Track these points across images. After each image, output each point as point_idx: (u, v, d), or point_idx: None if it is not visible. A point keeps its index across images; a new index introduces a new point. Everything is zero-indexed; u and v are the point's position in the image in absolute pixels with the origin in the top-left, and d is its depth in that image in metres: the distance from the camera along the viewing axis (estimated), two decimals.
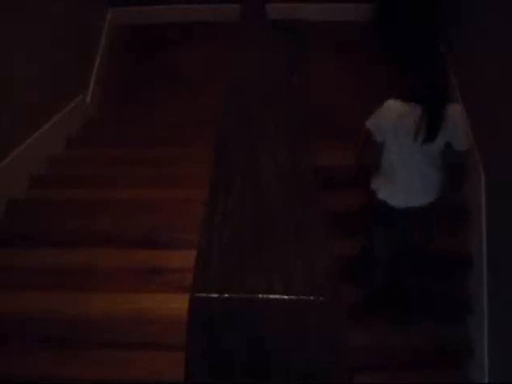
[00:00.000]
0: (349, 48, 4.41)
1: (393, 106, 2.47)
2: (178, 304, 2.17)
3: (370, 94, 3.85)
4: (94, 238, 2.77)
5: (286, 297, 0.79)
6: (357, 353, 2.45)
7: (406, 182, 2.58)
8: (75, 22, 3.91)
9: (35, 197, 3.15)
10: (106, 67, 4.52)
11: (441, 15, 3.85)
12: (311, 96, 3.40)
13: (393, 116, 2.46)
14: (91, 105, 4.23)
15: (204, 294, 0.78)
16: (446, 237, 3.15)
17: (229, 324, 0.80)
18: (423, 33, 3.86)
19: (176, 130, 3.87)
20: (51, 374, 2.16)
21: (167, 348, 2.15)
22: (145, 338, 2.29)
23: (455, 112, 2.48)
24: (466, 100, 3.29)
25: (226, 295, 0.77)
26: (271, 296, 0.79)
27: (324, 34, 4.54)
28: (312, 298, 0.79)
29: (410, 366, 2.97)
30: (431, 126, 2.41)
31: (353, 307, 2.83)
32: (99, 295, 2.44)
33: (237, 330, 0.80)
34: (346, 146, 3.25)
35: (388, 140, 2.53)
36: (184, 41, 4.71)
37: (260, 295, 0.78)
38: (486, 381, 2.76)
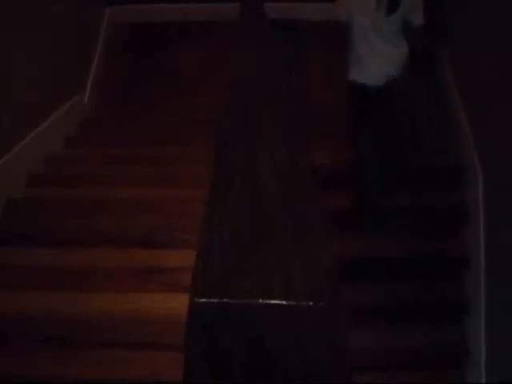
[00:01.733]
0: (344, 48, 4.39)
1: None
2: (177, 304, 2.18)
3: None
4: (93, 238, 2.76)
5: (285, 302, 0.79)
6: (357, 353, 2.44)
7: (377, 60, 2.84)
8: (74, 21, 3.90)
9: (34, 196, 3.14)
10: (105, 66, 4.51)
11: (440, 13, 3.85)
12: (310, 95, 3.39)
13: None
14: (89, 104, 4.23)
15: (204, 299, 0.78)
16: (443, 237, 3.15)
17: (228, 327, 0.80)
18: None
19: (175, 129, 3.86)
20: (51, 374, 2.16)
21: (167, 348, 2.15)
22: (144, 338, 2.28)
23: None
24: (465, 100, 3.29)
25: (226, 300, 0.77)
26: (271, 301, 0.79)
27: (324, 33, 4.53)
28: (311, 303, 0.79)
29: (408, 367, 2.98)
30: None
31: (353, 307, 2.83)
32: (99, 295, 2.44)
33: (236, 332, 0.81)
34: (345, 145, 3.26)
35: (355, 23, 2.78)
36: (183, 40, 4.70)
37: (260, 300, 0.78)
38: (484, 381, 2.76)
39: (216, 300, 0.78)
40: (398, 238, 3.03)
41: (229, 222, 0.98)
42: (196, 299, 0.78)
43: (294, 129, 1.62)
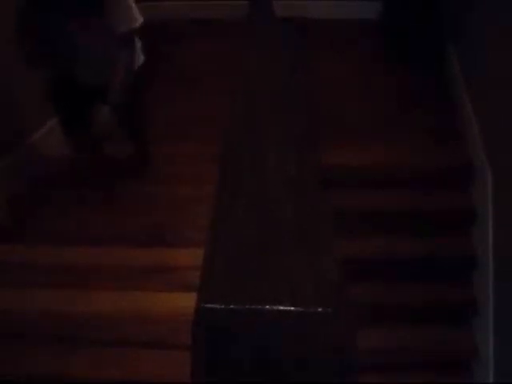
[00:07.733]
0: (354, 46, 4.38)
1: None
2: (182, 303, 2.15)
3: (375, 92, 3.86)
4: (96, 236, 2.76)
5: (293, 308, 0.78)
6: (364, 353, 2.41)
7: None
8: None
9: (37, 194, 3.13)
10: None
11: (447, 12, 3.83)
12: (317, 95, 3.37)
13: None
14: None
15: (210, 305, 0.76)
16: (452, 238, 3.13)
17: (235, 333, 0.78)
18: (428, 31, 3.84)
19: (180, 127, 3.85)
20: (51, 374, 2.15)
21: (171, 348, 2.14)
22: (148, 338, 2.27)
23: None
24: (474, 101, 3.26)
25: (233, 306, 0.76)
26: (278, 307, 0.77)
27: (329, 32, 4.51)
28: (320, 309, 0.78)
29: (416, 367, 2.97)
30: None
31: (359, 307, 2.81)
32: (102, 294, 2.43)
33: (243, 339, 0.79)
34: (350, 145, 3.24)
35: None
36: (190, 37, 4.68)
37: (267, 306, 0.77)
38: (491, 381, 2.74)
39: (223, 306, 0.77)
40: (406, 239, 3.01)
41: (236, 228, 0.96)
42: (202, 305, 0.77)
43: (302, 131, 1.60)
